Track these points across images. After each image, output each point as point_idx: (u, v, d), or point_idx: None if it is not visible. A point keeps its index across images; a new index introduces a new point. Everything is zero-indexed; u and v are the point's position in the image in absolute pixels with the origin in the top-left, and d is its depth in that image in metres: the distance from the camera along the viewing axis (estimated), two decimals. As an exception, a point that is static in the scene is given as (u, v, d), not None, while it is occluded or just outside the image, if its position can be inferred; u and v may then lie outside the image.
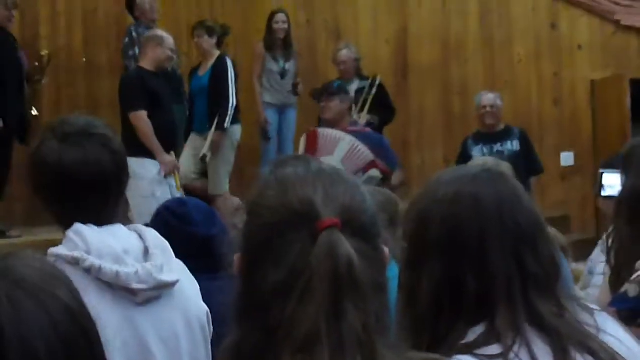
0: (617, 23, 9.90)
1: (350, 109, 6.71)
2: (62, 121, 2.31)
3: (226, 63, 7.84)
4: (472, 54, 9.95)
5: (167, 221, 3.10)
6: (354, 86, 8.26)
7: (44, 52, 7.65)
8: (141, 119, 6.84)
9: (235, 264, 1.37)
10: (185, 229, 3.00)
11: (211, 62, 7.85)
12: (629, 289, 2.11)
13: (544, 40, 9.99)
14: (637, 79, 9.36)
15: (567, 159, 9.12)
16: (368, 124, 8.05)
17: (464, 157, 7.73)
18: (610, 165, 3.35)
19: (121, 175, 2.32)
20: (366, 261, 1.28)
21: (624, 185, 2.35)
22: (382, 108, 8.42)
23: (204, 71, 7.94)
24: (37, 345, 1.08)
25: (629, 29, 9.90)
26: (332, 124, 6.39)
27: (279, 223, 1.31)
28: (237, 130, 8.03)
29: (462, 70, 9.88)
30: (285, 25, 8.62)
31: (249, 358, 1.31)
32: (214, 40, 8.05)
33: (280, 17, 8.61)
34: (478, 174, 1.71)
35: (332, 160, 5.67)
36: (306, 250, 1.26)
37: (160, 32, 7.44)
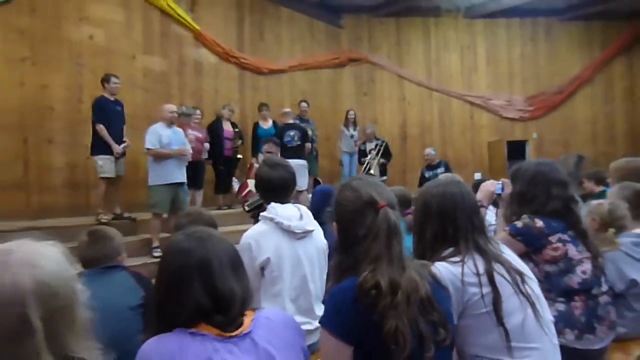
0: (500, 115, 9.59)
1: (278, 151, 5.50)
2: (269, 158, 2.28)
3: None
4: (435, 131, 9.64)
5: (325, 196, 3.10)
6: (373, 144, 7.91)
7: (238, 130, 7.09)
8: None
9: (334, 228, 1.33)
10: (326, 199, 2.94)
11: (270, 122, 7.25)
12: (517, 223, 2.03)
13: (467, 124, 9.63)
14: (510, 141, 8.99)
15: (477, 176, 8.78)
16: (382, 164, 7.81)
17: (422, 175, 7.53)
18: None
19: (294, 183, 2.28)
20: (398, 220, 1.25)
21: (513, 188, 2.21)
22: (387, 155, 8.01)
23: (267, 126, 7.24)
24: (223, 259, 1.15)
25: (505, 118, 9.58)
26: None
27: (358, 208, 1.27)
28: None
29: (430, 138, 9.56)
30: (353, 115, 8.35)
31: (346, 268, 1.26)
32: (270, 112, 7.40)
33: (351, 113, 8.39)
34: (450, 182, 1.62)
35: (251, 183, 4.93)
36: (373, 218, 1.23)
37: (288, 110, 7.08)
